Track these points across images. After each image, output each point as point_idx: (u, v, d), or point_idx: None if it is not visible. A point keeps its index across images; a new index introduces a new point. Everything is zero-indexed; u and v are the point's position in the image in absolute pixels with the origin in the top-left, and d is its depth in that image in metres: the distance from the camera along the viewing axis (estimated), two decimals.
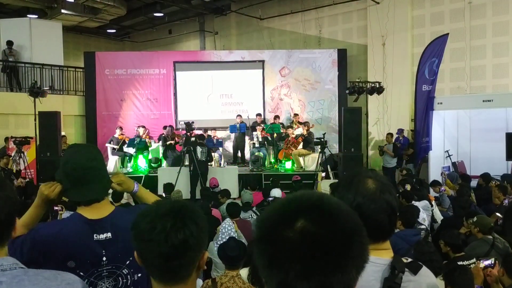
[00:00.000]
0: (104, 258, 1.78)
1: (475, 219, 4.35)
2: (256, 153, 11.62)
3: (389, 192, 1.40)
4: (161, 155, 12.21)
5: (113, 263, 1.80)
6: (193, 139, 10.35)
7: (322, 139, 10.38)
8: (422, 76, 10.35)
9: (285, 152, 11.86)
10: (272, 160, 12.19)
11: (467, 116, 11.03)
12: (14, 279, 1.18)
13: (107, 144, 12.41)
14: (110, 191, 2.17)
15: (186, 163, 10.29)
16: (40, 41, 13.81)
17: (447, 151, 10.74)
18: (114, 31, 18.96)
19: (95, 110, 13.77)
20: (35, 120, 10.54)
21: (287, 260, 0.82)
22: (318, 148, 10.84)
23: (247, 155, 12.58)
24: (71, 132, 13.70)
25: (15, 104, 12.13)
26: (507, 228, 1.32)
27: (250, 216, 6.04)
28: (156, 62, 14.08)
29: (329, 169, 10.40)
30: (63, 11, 14.43)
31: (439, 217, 6.48)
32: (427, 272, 1.43)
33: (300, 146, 11.69)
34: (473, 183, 8.39)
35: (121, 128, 12.58)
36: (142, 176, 10.82)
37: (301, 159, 11.50)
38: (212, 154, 11.36)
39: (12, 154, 10.37)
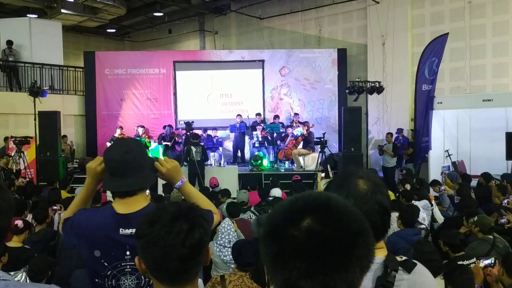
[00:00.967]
0: (128, 253, 1.80)
1: (475, 218, 4.35)
2: (256, 153, 11.63)
3: (381, 192, 1.39)
4: (161, 154, 12.21)
5: None
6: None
7: (322, 139, 10.39)
8: (422, 76, 10.35)
9: (284, 152, 11.87)
10: (272, 160, 12.20)
11: (467, 116, 11.04)
12: None
13: (108, 143, 12.42)
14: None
15: (186, 163, 10.29)
16: (39, 40, 13.81)
17: (447, 150, 10.75)
18: (114, 30, 18.95)
19: (95, 110, 13.76)
20: (35, 120, 10.55)
21: (291, 258, 0.83)
22: (318, 147, 10.84)
23: (247, 154, 12.59)
24: (71, 131, 13.70)
25: (15, 104, 12.13)
26: None
27: (249, 217, 6.04)
28: (156, 61, 14.08)
29: (329, 169, 10.38)
30: (62, 10, 14.42)
31: (439, 216, 6.48)
32: (423, 270, 1.41)
33: (300, 145, 11.70)
34: (473, 182, 8.39)
35: (121, 128, 12.59)
36: None
37: (301, 158, 11.50)
38: (212, 153, 11.37)
39: (12, 154, 10.37)
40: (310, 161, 11.38)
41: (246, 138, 12.60)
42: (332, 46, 14.11)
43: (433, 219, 6.40)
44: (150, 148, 12.21)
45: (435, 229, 5.97)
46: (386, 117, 12.72)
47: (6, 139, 11.13)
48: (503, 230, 4.64)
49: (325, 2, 13.98)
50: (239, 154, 12.76)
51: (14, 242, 4.44)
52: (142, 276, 1.82)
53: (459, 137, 11.20)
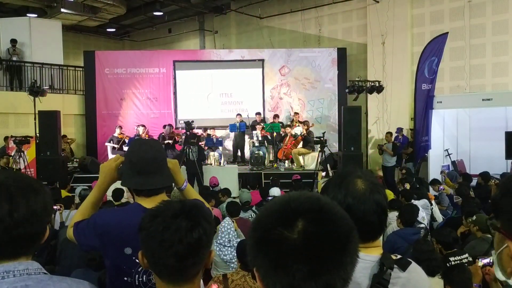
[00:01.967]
0: None
1: (474, 218, 4.36)
2: (256, 152, 11.63)
3: (378, 192, 1.40)
4: None
5: None
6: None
7: (322, 138, 10.39)
8: (421, 75, 10.35)
9: (284, 151, 11.88)
10: (272, 159, 12.21)
11: (467, 115, 11.04)
12: (39, 283, 1.20)
13: (106, 143, 12.44)
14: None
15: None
16: (39, 40, 13.81)
17: (447, 150, 10.75)
18: (113, 30, 18.96)
19: (95, 109, 13.77)
20: (35, 119, 10.55)
21: (293, 262, 0.83)
22: (318, 147, 10.84)
23: (247, 154, 12.60)
24: (71, 131, 13.71)
25: (15, 104, 12.14)
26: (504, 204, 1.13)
27: (250, 216, 6.05)
28: (156, 61, 14.08)
29: (329, 168, 10.40)
30: (62, 10, 14.42)
31: (438, 215, 6.50)
32: (417, 269, 1.44)
33: (300, 145, 11.71)
34: (473, 182, 8.40)
35: (120, 127, 12.60)
36: None
37: (300, 158, 11.51)
38: (212, 153, 11.37)
39: (12, 154, 10.38)
40: (310, 160, 11.40)
41: (246, 137, 12.61)
42: (332, 45, 14.12)
43: (432, 218, 6.41)
44: None
45: (435, 228, 5.98)
46: (386, 116, 12.73)
47: (6, 138, 11.13)
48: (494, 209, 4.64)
49: (325, 1, 13.99)
50: (239, 153, 12.77)
51: None
52: None
53: (459, 137, 11.20)
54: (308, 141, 11.54)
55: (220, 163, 11.47)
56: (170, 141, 12.12)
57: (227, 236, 4.81)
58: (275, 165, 11.89)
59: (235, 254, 4.08)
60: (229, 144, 13.29)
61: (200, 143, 10.73)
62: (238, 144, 12.70)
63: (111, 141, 12.20)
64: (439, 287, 3.14)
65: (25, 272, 1.19)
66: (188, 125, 10.76)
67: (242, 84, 13.91)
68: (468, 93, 11.37)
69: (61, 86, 14.13)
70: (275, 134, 12.08)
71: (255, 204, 6.82)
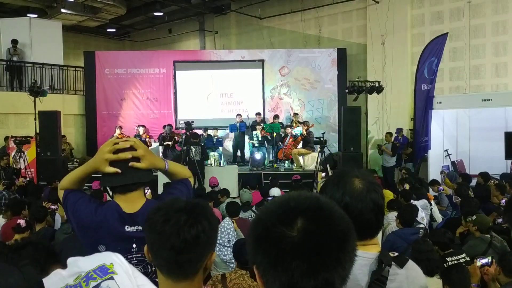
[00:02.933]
0: (134, 245, 1.84)
1: (473, 217, 4.37)
2: (256, 152, 11.65)
3: (375, 191, 1.43)
4: (160, 154, 12.23)
5: (143, 251, 1.85)
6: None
7: (322, 138, 10.40)
8: (421, 76, 10.37)
9: (284, 152, 11.89)
10: (272, 159, 12.22)
11: (466, 115, 11.05)
12: None
13: None
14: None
15: (185, 163, 10.31)
16: (40, 40, 13.83)
17: (446, 150, 10.76)
18: (114, 30, 18.97)
19: (95, 110, 13.79)
20: (35, 119, 10.56)
21: (293, 259, 0.85)
22: (318, 147, 10.85)
23: (247, 154, 12.61)
24: (71, 131, 13.73)
25: (15, 104, 12.15)
26: (508, 219, 1.37)
27: (250, 216, 6.06)
28: (156, 61, 14.10)
29: (329, 168, 10.40)
30: (63, 10, 14.43)
31: (437, 216, 6.51)
32: (414, 266, 1.47)
33: (300, 145, 11.72)
34: (473, 182, 8.41)
35: (120, 128, 12.62)
36: None
37: (300, 158, 11.53)
38: (212, 153, 11.38)
39: (12, 154, 10.40)
40: (309, 160, 11.41)
41: (246, 137, 12.62)
42: (331, 45, 14.13)
43: (432, 218, 6.42)
44: (150, 148, 12.24)
45: (434, 228, 5.99)
46: (385, 116, 12.74)
47: (6, 138, 11.15)
48: (501, 229, 4.66)
49: (325, 2, 14.00)
50: (239, 153, 12.78)
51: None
52: (149, 266, 1.86)
53: (459, 137, 11.21)
54: (308, 141, 11.55)
55: (220, 163, 11.48)
56: (169, 142, 12.13)
57: (227, 236, 4.82)
58: (275, 165, 11.91)
59: None
60: (229, 145, 13.31)
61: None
62: (238, 145, 12.72)
63: None
64: (438, 287, 3.15)
65: None
66: (188, 125, 10.77)
67: (242, 84, 13.92)
68: (467, 94, 11.38)
69: (61, 86, 14.15)
70: (275, 134, 12.09)
71: (254, 204, 6.83)
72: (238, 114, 12.77)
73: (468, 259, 3.63)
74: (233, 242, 4.79)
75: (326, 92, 13.80)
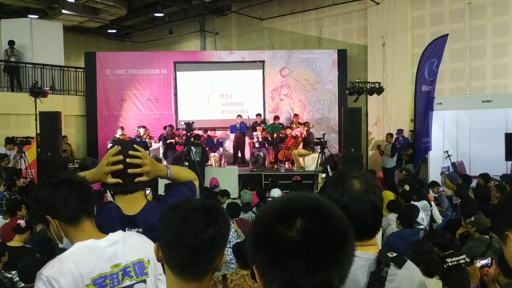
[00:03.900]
0: None
1: (472, 219, 4.37)
2: (256, 153, 11.66)
3: (374, 192, 1.44)
4: (161, 155, 12.25)
5: None
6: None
7: (322, 139, 10.41)
8: (421, 77, 10.38)
9: (284, 152, 11.89)
10: (272, 160, 12.22)
11: (467, 117, 11.06)
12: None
13: (109, 143, 12.44)
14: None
15: (186, 163, 10.32)
16: (41, 41, 13.85)
17: (447, 151, 10.77)
18: (114, 31, 18.98)
19: (95, 110, 13.80)
20: (36, 120, 10.57)
21: (292, 258, 0.86)
22: (318, 148, 10.86)
23: (247, 155, 12.62)
24: (72, 132, 13.74)
25: (16, 104, 12.17)
26: (493, 225, 1.43)
27: (250, 217, 6.07)
28: (156, 62, 14.11)
29: (329, 169, 10.41)
30: (63, 11, 14.45)
31: (438, 217, 6.52)
32: (412, 266, 1.49)
33: (300, 146, 11.73)
34: (473, 183, 8.41)
35: (122, 128, 12.62)
36: None
37: (301, 159, 11.53)
38: (212, 154, 11.39)
39: (13, 154, 10.41)
40: (310, 161, 11.41)
41: (247, 138, 12.63)
42: (332, 47, 14.14)
43: (432, 219, 6.43)
44: (150, 149, 12.25)
45: (434, 229, 5.99)
46: (386, 118, 12.74)
47: (9, 141, 11.13)
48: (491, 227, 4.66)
49: (326, 3, 14.01)
50: (239, 154, 12.79)
51: (15, 242, 4.48)
52: None
53: (459, 138, 11.22)
54: (309, 142, 11.56)
55: (220, 164, 11.49)
56: (172, 140, 12.14)
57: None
58: (275, 166, 11.91)
59: None
60: (229, 145, 13.31)
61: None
62: (239, 145, 12.72)
63: (113, 142, 12.21)
64: None
65: None
66: (189, 126, 10.79)
67: (243, 85, 13.93)
68: (468, 95, 11.38)
69: (62, 87, 14.16)
70: (275, 135, 12.11)
71: (254, 205, 6.84)
72: (239, 115, 12.78)
73: (468, 260, 3.64)
74: (234, 243, 4.80)
75: (326, 93, 13.81)
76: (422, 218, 5.72)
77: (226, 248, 4.17)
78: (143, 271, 1.66)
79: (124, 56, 15.01)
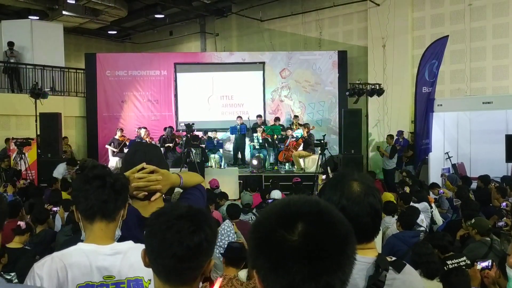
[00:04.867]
0: None
1: (473, 221, 4.36)
2: (257, 155, 11.66)
3: (373, 195, 1.43)
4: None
5: None
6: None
7: (322, 141, 10.41)
8: (422, 78, 10.36)
9: (285, 154, 11.89)
10: (272, 162, 12.21)
11: (467, 118, 11.03)
12: None
13: (107, 146, 12.45)
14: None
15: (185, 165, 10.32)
16: (41, 42, 13.86)
17: (447, 153, 10.75)
18: (115, 32, 18.99)
19: (96, 112, 13.80)
20: (36, 121, 10.58)
21: (294, 263, 0.85)
22: (318, 149, 10.86)
23: (248, 156, 12.61)
24: (72, 133, 13.74)
25: (16, 105, 12.17)
26: None
27: (251, 218, 6.06)
28: (157, 63, 14.12)
29: (329, 171, 10.41)
30: (64, 12, 14.45)
31: (438, 218, 6.50)
32: (411, 271, 1.47)
33: (301, 147, 11.72)
34: (473, 185, 8.40)
35: (122, 130, 12.61)
36: None
37: (301, 160, 11.52)
38: (212, 155, 11.39)
39: (13, 156, 10.41)
40: (310, 163, 11.41)
41: (247, 140, 12.63)
42: (332, 48, 14.14)
43: (432, 221, 6.41)
44: None
45: (435, 231, 5.98)
46: (386, 119, 12.73)
47: (7, 140, 11.16)
48: (502, 233, 4.66)
49: (326, 4, 14.01)
50: (239, 156, 12.78)
51: (15, 243, 4.47)
52: None
53: (459, 140, 11.20)
54: (309, 143, 11.55)
55: (220, 165, 11.49)
56: (170, 144, 12.14)
57: (227, 238, 4.81)
58: (276, 167, 11.91)
59: None
60: (229, 147, 13.31)
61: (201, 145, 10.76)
62: (239, 147, 12.72)
63: (112, 144, 12.22)
64: None
65: None
66: (189, 127, 10.78)
67: (243, 86, 13.93)
68: (468, 96, 11.37)
69: (62, 88, 14.17)
70: (275, 136, 12.10)
71: (255, 207, 6.83)
72: (239, 117, 12.78)
73: (468, 262, 3.63)
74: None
75: (326, 95, 13.80)
76: (422, 219, 5.71)
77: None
78: None
79: (125, 57, 15.01)
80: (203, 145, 11.50)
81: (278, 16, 15.21)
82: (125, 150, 11.95)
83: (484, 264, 3.31)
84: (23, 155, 10.25)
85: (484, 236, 4.22)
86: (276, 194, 7.23)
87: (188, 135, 10.78)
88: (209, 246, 1.26)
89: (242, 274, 3.47)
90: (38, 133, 10.68)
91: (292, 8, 14.85)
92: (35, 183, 9.94)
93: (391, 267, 1.39)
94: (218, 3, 15.61)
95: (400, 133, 11.66)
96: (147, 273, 1.58)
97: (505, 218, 5.23)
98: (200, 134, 12.20)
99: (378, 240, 3.88)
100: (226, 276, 3.41)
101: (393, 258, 1.44)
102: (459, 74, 11.90)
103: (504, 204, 5.99)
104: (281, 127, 12.52)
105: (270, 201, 6.81)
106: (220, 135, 13.02)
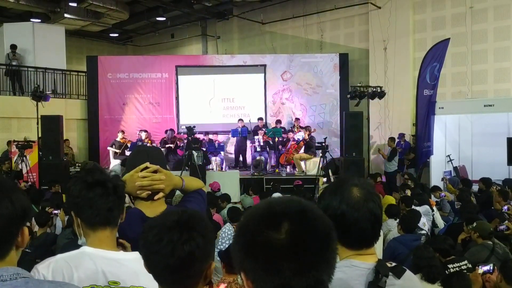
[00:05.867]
0: None
1: (474, 224, 4.35)
2: (258, 157, 11.65)
3: (373, 201, 1.42)
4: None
5: None
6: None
7: (324, 143, 10.40)
8: (423, 81, 10.36)
9: (286, 156, 11.88)
10: (274, 164, 12.21)
11: (469, 121, 11.03)
12: None
13: (108, 148, 12.46)
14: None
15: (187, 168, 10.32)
16: (43, 45, 13.89)
17: (449, 155, 10.74)
18: (116, 35, 19.03)
19: (97, 114, 13.81)
20: (37, 124, 10.59)
21: (283, 261, 0.88)
22: (320, 152, 10.85)
23: (249, 159, 12.61)
24: (74, 136, 13.75)
25: (18, 108, 12.19)
26: None
27: None
28: (158, 66, 14.14)
29: (331, 174, 10.40)
30: (66, 15, 14.49)
31: (440, 221, 6.48)
32: (411, 276, 1.47)
33: (302, 150, 11.72)
34: (475, 187, 8.39)
35: (123, 132, 12.63)
36: None
37: (302, 163, 11.52)
38: (214, 158, 11.39)
39: (15, 158, 10.42)
40: (311, 165, 11.39)
41: (248, 142, 12.63)
42: (333, 51, 14.14)
43: (434, 224, 6.40)
44: None
45: (436, 234, 5.97)
46: (387, 122, 12.72)
47: (9, 143, 11.18)
48: (503, 236, 4.65)
49: (327, 7, 14.02)
50: (240, 158, 12.78)
51: None
52: None
53: (461, 142, 11.19)
54: (310, 146, 11.54)
55: (222, 168, 11.48)
56: (171, 145, 12.14)
57: (228, 241, 4.81)
58: (277, 170, 11.90)
59: None
60: (231, 149, 13.31)
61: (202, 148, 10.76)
62: (240, 149, 12.72)
63: (113, 146, 12.23)
64: None
65: None
66: (190, 130, 10.79)
67: (244, 89, 13.93)
68: (470, 99, 11.36)
69: (63, 91, 14.19)
70: (277, 139, 12.10)
71: None
72: (240, 119, 12.78)
73: (470, 266, 3.62)
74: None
75: (328, 97, 13.80)
76: (424, 223, 5.69)
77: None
78: None
79: (126, 60, 15.04)
80: (204, 148, 11.50)
81: (279, 18, 15.23)
82: (127, 152, 11.98)
83: (486, 268, 3.30)
84: (24, 158, 10.27)
85: (485, 240, 4.21)
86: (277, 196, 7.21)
87: (190, 137, 10.79)
88: (202, 254, 1.25)
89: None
90: (40, 135, 10.69)
91: (293, 11, 14.87)
92: (36, 185, 9.95)
93: (391, 273, 1.38)
94: (219, 6, 15.63)
95: (402, 135, 11.64)
96: (153, 283, 1.60)
97: (506, 221, 5.21)
98: (201, 136, 12.20)
99: (379, 243, 3.87)
100: (225, 279, 3.40)
101: (393, 264, 1.43)
102: (461, 76, 11.89)
103: (506, 207, 5.97)
104: (282, 130, 12.52)
105: None
106: (221, 138, 13.02)
